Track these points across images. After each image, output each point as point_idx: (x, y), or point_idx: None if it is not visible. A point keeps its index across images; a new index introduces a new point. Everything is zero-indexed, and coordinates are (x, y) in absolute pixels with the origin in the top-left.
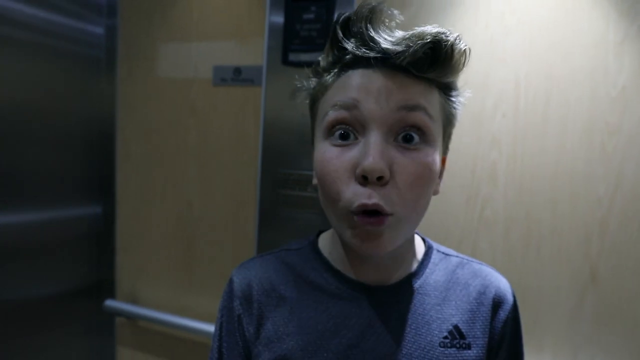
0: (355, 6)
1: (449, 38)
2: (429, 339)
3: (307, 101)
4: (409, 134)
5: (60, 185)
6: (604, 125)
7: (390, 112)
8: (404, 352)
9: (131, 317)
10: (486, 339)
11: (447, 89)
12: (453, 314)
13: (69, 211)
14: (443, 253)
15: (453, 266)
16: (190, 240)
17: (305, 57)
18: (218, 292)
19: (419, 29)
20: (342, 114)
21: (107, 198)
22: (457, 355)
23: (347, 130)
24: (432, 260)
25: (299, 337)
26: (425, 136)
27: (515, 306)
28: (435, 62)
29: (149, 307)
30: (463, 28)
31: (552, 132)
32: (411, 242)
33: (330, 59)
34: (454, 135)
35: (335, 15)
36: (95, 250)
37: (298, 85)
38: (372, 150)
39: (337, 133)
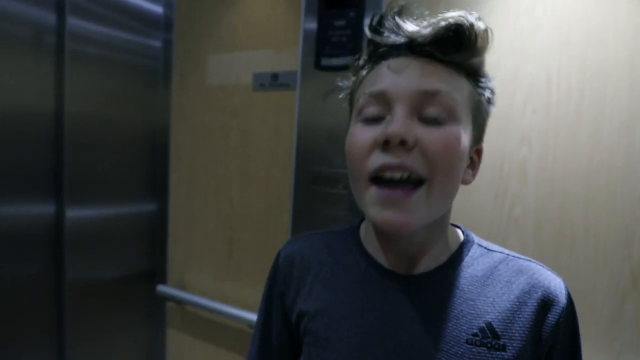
0: (384, 10)
1: (468, 19)
2: (455, 333)
3: (347, 98)
4: (433, 112)
5: (123, 184)
6: None
7: (414, 92)
8: (426, 344)
9: (179, 302)
10: (526, 343)
11: (474, 75)
12: (488, 311)
13: (129, 208)
14: (485, 248)
15: (495, 262)
16: (231, 233)
17: (336, 61)
18: (254, 280)
19: (441, 15)
20: (372, 98)
21: (160, 196)
22: (488, 355)
23: (376, 110)
24: (470, 254)
25: (326, 314)
26: (449, 115)
27: (569, 309)
28: (458, 44)
29: (195, 293)
30: (492, 23)
31: (587, 127)
32: (443, 231)
33: (365, 56)
34: None
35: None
36: (150, 241)
37: (339, 85)
38: (395, 119)
39: (366, 111)
